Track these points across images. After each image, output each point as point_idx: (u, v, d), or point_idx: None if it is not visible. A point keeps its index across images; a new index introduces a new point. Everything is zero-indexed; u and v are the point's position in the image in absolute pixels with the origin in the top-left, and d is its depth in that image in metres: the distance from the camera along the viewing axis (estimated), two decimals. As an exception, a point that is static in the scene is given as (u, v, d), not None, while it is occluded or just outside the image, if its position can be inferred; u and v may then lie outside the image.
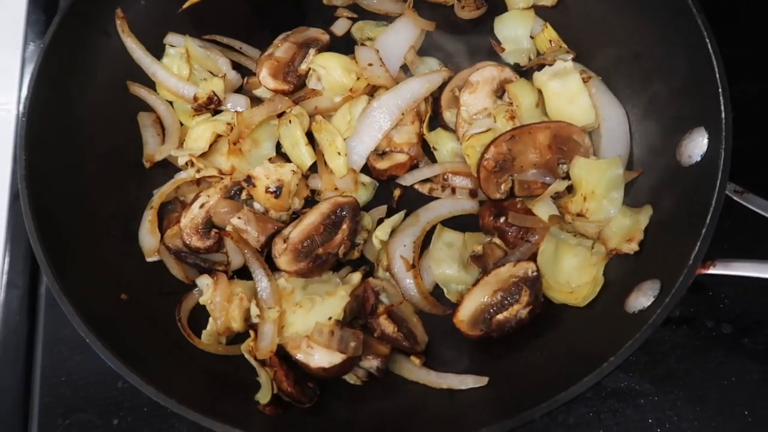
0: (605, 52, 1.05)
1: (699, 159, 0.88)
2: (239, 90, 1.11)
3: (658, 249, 0.88)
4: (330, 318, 0.88)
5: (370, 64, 1.05)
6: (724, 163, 0.82)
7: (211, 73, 1.11)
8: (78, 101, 1.01)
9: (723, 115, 0.84)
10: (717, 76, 0.86)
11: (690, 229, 0.82)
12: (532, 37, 1.11)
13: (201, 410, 0.75)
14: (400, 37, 1.11)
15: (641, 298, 0.82)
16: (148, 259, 0.97)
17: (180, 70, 1.10)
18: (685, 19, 0.90)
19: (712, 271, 0.80)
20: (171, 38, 1.12)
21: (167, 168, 1.06)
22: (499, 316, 0.89)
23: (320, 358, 0.85)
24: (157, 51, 1.10)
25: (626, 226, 0.92)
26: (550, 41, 1.09)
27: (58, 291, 0.80)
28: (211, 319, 0.92)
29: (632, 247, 0.90)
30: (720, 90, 0.85)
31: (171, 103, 1.09)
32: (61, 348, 0.99)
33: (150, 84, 1.09)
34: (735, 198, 0.84)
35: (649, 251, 0.89)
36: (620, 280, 0.89)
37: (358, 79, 1.05)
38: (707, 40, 0.88)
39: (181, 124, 1.07)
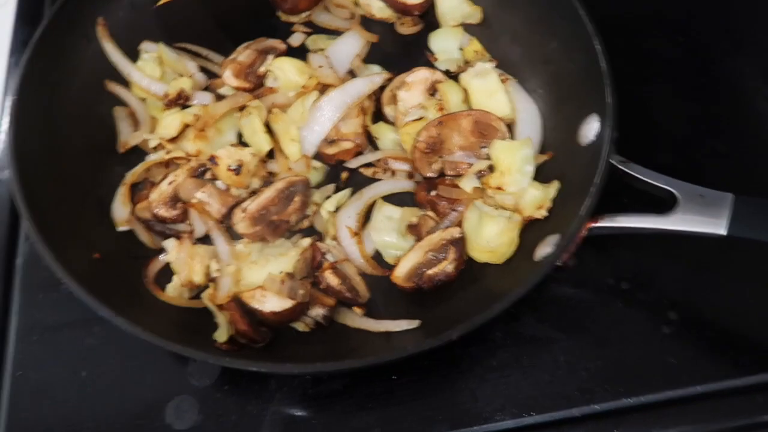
0: (520, 58, 1.24)
1: (594, 139, 1.06)
2: (205, 90, 1.26)
3: (560, 212, 1.04)
4: (281, 272, 1.00)
5: (321, 66, 1.22)
6: (607, 140, 1.00)
7: (180, 75, 1.26)
8: (61, 95, 1.14)
9: (609, 100, 1.03)
10: (603, 71, 1.05)
11: (583, 192, 0.99)
12: (461, 49, 1.30)
13: (167, 338, 0.86)
14: (348, 46, 1.29)
15: (546, 248, 0.98)
16: (119, 228, 1.09)
17: (153, 72, 1.24)
18: (579, 27, 1.10)
19: (600, 224, 0.95)
20: (146, 45, 1.27)
21: (139, 155, 1.18)
22: (429, 272, 1.03)
23: (272, 304, 0.96)
24: (132, 56, 1.25)
25: (538, 197, 1.08)
26: (476, 51, 1.28)
27: (40, 241, 0.92)
28: (175, 276, 1.03)
29: (542, 213, 1.06)
30: (606, 83, 1.04)
31: (144, 100, 1.23)
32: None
33: (126, 84, 1.23)
34: (619, 167, 1.00)
35: (554, 215, 1.05)
36: (531, 239, 1.04)
37: (310, 78, 1.21)
38: (596, 44, 1.07)
39: (153, 118, 1.22)
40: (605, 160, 0.98)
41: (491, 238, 1.07)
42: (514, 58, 1.25)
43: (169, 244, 1.05)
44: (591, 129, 1.07)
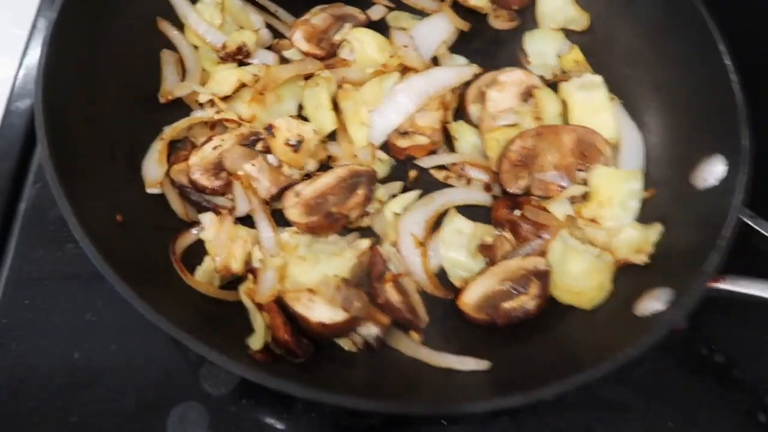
0: (627, 77, 1.09)
1: (715, 184, 0.91)
2: (268, 49, 1.09)
3: (669, 262, 0.89)
4: (336, 276, 0.84)
5: (405, 46, 1.06)
6: (740, 189, 0.85)
7: (242, 27, 1.09)
8: (106, 25, 0.97)
9: (743, 142, 0.88)
10: (738, 108, 0.91)
11: (702, 245, 0.84)
12: (559, 56, 1.14)
13: (188, 332, 0.69)
14: (435, 30, 1.13)
15: (654, 303, 0.82)
16: (149, 190, 0.92)
17: (212, 19, 1.08)
18: (708, 51, 0.95)
19: (721, 285, 0.80)
20: (209, -16, 1.10)
21: (181, 108, 1.01)
22: (506, 305, 0.87)
23: (321, 312, 0.80)
24: (192, -2, 1.09)
25: (635, 239, 0.93)
26: (576, 61, 1.13)
27: (58, 187, 0.75)
28: (207, 258, 0.86)
29: (642, 258, 0.91)
30: (741, 121, 0.90)
31: (197, 48, 1.06)
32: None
33: (180, 26, 1.06)
34: (747, 221, 0.86)
35: (660, 264, 0.90)
36: (629, 288, 0.89)
37: (391, 57, 1.05)
38: (730, 74, 0.93)
39: (204, 71, 1.05)
40: (736, 211, 0.83)
41: (577, 276, 0.92)
42: (620, 76, 1.09)
43: (207, 218, 0.88)
44: (713, 172, 0.92)
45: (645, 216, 0.96)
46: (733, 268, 0.82)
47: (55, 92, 0.84)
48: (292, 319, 0.81)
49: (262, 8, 1.12)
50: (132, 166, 0.93)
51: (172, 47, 1.05)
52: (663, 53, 1.06)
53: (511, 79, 1.05)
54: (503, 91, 1.04)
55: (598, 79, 1.03)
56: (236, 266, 0.85)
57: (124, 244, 0.82)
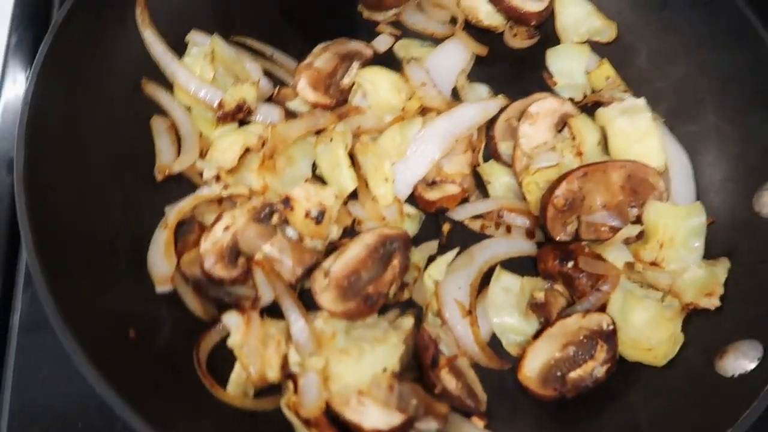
0: (666, 93, 0.99)
1: (784, 209, 0.83)
2: (268, 101, 0.99)
3: (745, 304, 0.80)
4: (385, 369, 0.75)
5: (423, 84, 0.96)
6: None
7: (238, 79, 0.98)
8: (86, 97, 0.86)
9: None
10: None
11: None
12: (587, 72, 1.04)
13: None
14: (451, 59, 1.02)
15: (741, 360, 0.74)
16: (159, 290, 0.81)
17: (203, 73, 0.96)
18: (758, 57, 0.86)
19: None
20: (195, 36, 0.98)
21: (180, 183, 0.91)
22: (573, 374, 0.79)
23: (376, 418, 0.71)
24: (179, 50, 0.97)
25: (702, 279, 0.85)
26: (607, 78, 1.03)
27: (57, 318, 0.64)
28: (237, 367, 0.76)
29: (713, 302, 0.83)
30: None
31: (190, 110, 0.95)
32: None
33: (166, 86, 0.95)
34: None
35: (733, 307, 0.82)
36: (704, 338, 0.81)
37: (410, 98, 0.95)
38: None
39: (202, 136, 0.94)
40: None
41: (642, 328, 0.83)
42: (654, 89, 1.00)
43: (232, 320, 0.77)
44: (779, 196, 0.83)
45: (707, 251, 0.87)
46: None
47: (38, 174, 0.74)
48: (342, 424, 0.72)
49: (257, 53, 1.01)
50: (136, 262, 0.82)
51: (164, 111, 0.94)
52: (704, 62, 0.96)
53: (543, 109, 0.95)
54: (536, 124, 0.94)
55: (641, 102, 0.93)
56: (273, 375, 0.75)
57: (134, 358, 0.72)
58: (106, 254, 0.80)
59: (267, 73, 1.00)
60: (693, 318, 0.83)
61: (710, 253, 0.87)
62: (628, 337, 0.83)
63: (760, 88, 0.90)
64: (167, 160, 0.91)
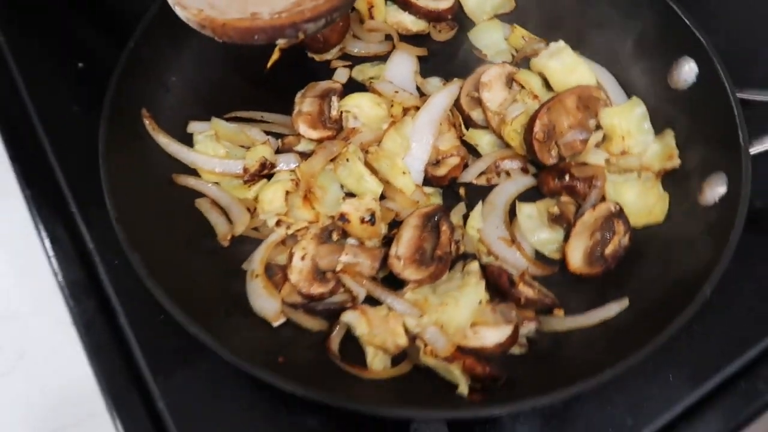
0: (570, 30, 1.24)
1: (694, 79, 1.09)
2: (278, 152, 1.15)
3: (700, 153, 1.06)
4: (480, 301, 0.93)
5: (396, 92, 1.16)
6: (725, 76, 1.03)
7: (244, 146, 1.14)
8: (145, 202, 0.99)
9: (703, 40, 1.07)
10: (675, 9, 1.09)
11: (719, 126, 1.01)
12: (506, 39, 1.29)
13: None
14: (402, 66, 1.24)
15: (716, 189, 0.99)
16: (276, 324, 0.96)
17: (216, 152, 1.12)
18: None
19: (758, 149, 0.98)
20: (195, 126, 1.14)
21: (242, 242, 1.05)
22: (608, 250, 1.01)
23: (493, 336, 0.89)
24: (187, 142, 1.12)
25: (660, 150, 1.10)
26: (523, 37, 1.28)
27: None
28: (369, 350, 0.92)
29: (674, 163, 1.08)
30: (681, 16, 1.08)
31: (218, 184, 1.10)
32: None
33: (193, 173, 1.10)
34: (743, 96, 1.03)
35: (690, 159, 1.07)
36: (682, 189, 1.05)
37: (392, 106, 1.15)
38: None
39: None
40: (734, 94, 1.01)
41: (637, 201, 1.07)
42: (560, 31, 1.24)
43: (351, 317, 0.93)
44: (686, 72, 1.10)
45: (654, 129, 1.13)
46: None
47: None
48: (470, 352, 0.89)
49: (251, 120, 1.17)
50: (247, 312, 0.96)
51: (200, 193, 1.09)
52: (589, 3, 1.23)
53: (491, 76, 1.18)
54: (492, 89, 1.17)
55: (561, 43, 1.18)
56: (402, 341, 0.91)
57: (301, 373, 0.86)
58: (225, 315, 0.94)
59: (266, 132, 1.17)
60: (667, 178, 1.08)
61: (656, 129, 1.12)
62: (629, 211, 1.06)
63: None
64: (225, 230, 1.05)
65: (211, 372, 0.96)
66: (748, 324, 1.00)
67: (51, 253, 1.08)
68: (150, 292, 0.87)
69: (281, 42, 0.92)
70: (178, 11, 0.94)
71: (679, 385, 0.97)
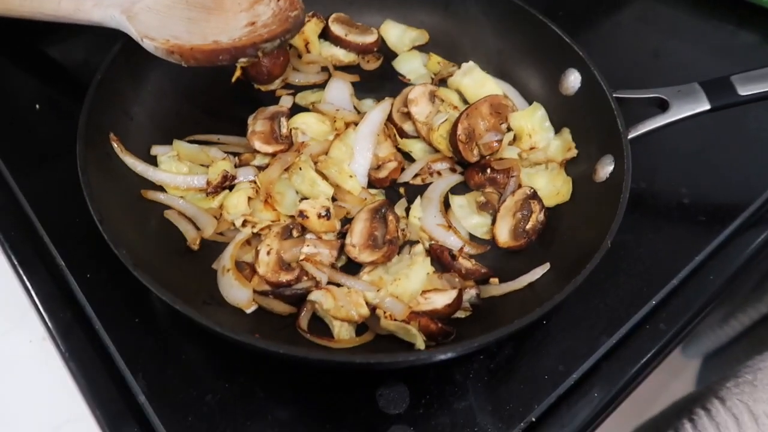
0: (476, 54, 1.47)
1: (579, 86, 1.34)
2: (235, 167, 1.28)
3: (591, 142, 1.29)
4: (428, 273, 1.09)
5: (337, 110, 1.34)
6: (602, 81, 1.28)
7: (203, 165, 1.26)
8: (121, 210, 1.09)
9: (582, 55, 1.32)
10: (558, 32, 1.35)
11: (602, 120, 1.25)
12: (425, 65, 1.50)
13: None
14: (339, 91, 1.41)
15: (605, 167, 1.21)
16: (249, 310, 1.07)
17: (179, 170, 1.24)
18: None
19: (634, 133, 1.22)
20: (157, 149, 1.25)
21: (210, 247, 1.17)
22: (528, 225, 1.20)
23: (441, 299, 1.05)
24: (153, 162, 1.23)
25: (560, 144, 1.32)
26: (439, 63, 1.50)
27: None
28: (335, 323, 1.05)
29: (573, 153, 1.30)
30: (563, 37, 1.33)
31: (183, 198, 1.21)
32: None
33: (160, 188, 1.21)
34: (618, 95, 1.28)
35: (585, 148, 1.30)
36: (581, 171, 1.27)
37: (335, 122, 1.32)
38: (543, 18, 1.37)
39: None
40: (611, 93, 1.25)
41: (547, 185, 1.28)
42: (467, 57, 1.48)
43: (318, 296, 1.06)
44: (573, 81, 1.34)
45: (555, 128, 1.36)
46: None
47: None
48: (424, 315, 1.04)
49: (208, 142, 1.30)
50: (221, 304, 1.07)
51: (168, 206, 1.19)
52: (482, 31, 1.47)
53: (417, 94, 1.37)
54: (418, 104, 1.36)
55: (471, 63, 1.41)
56: (364, 311, 1.05)
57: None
58: (202, 304, 1.04)
59: (224, 152, 1.30)
60: (569, 165, 1.30)
61: (556, 128, 1.35)
62: (542, 195, 1.26)
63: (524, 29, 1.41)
64: (194, 235, 1.16)
65: (188, 364, 1.05)
66: (644, 281, 1.21)
67: (22, 271, 1.14)
68: (124, 299, 0.97)
69: (242, 61, 1.06)
70: (147, 43, 1.08)
71: (598, 335, 1.15)
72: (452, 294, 1.05)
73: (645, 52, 1.64)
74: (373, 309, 1.06)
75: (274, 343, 0.89)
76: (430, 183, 1.31)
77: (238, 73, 1.38)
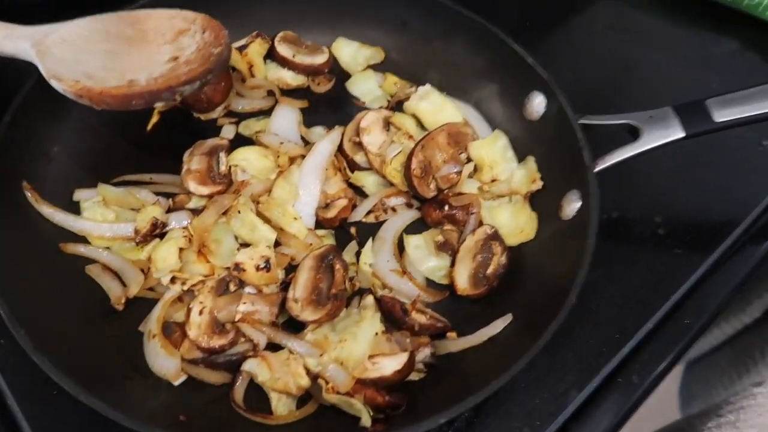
0: (434, 74, 1.36)
1: (544, 110, 1.23)
2: (168, 212, 1.16)
3: (556, 174, 1.18)
4: (377, 333, 0.98)
5: (281, 143, 1.22)
6: (566, 106, 1.17)
7: (133, 209, 1.15)
8: (31, 274, 0.97)
9: (545, 78, 1.21)
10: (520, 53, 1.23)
11: (568, 150, 1.15)
12: (380, 86, 1.39)
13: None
14: (286, 119, 1.30)
15: (573, 204, 1.11)
16: (177, 382, 0.96)
17: (105, 217, 1.12)
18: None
19: (602, 166, 1.12)
20: (80, 194, 1.14)
21: (137, 304, 1.05)
22: (489, 270, 1.10)
23: (390, 364, 0.94)
24: (73, 210, 1.11)
25: (524, 174, 1.21)
26: (395, 83, 1.38)
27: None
28: (273, 395, 0.94)
29: (538, 185, 1.20)
30: (525, 58, 1.22)
31: (109, 249, 1.10)
32: None
33: (82, 240, 1.09)
34: (585, 122, 1.17)
35: (551, 183, 1.19)
36: (545, 207, 1.17)
37: (278, 157, 1.20)
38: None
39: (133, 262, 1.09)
40: (576, 121, 1.15)
41: (509, 222, 1.18)
42: (425, 76, 1.36)
43: (252, 366, 0.95)
44: (537, 105, 1.23)
45: (518, 156, 1.25)
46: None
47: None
48: (374, 384, 0.94)
49: (139, 183, 1.18)
50: (147, 375, 0.96)
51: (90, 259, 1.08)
52: (440, 51, 1.35)
53: (369, 121, 1.26)
54: (371, 133, 1.25)
55: (427, 87, 1.30)
56: (305, 381, 0.94)
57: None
58: (124, 378, 0.93)
59: (156, 193, 1.18)
60: (534, 199, 1.20)
61: (520, 156, 1.25)
62: (504, 232, 1.16)
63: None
64: (118, 293, 1.04)
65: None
66: (616, 326, 1.12)
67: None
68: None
69: (159, 105, 0.94)
70: (54, 84, 0.96)
71: (567, 390, 1.06)
72: (402, 358, 0.95)
73: (616, 64, 1.53)
74: (315, 377, 0.96)
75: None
76: (385, 220, 1.20)
77: (154, 119, 1.25)
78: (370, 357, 0.96)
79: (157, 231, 1.10)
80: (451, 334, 1.05)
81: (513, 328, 1.04)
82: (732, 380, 1.70)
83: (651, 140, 1.13)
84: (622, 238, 1.24)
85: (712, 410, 1.34)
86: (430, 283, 1.14)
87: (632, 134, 1.15)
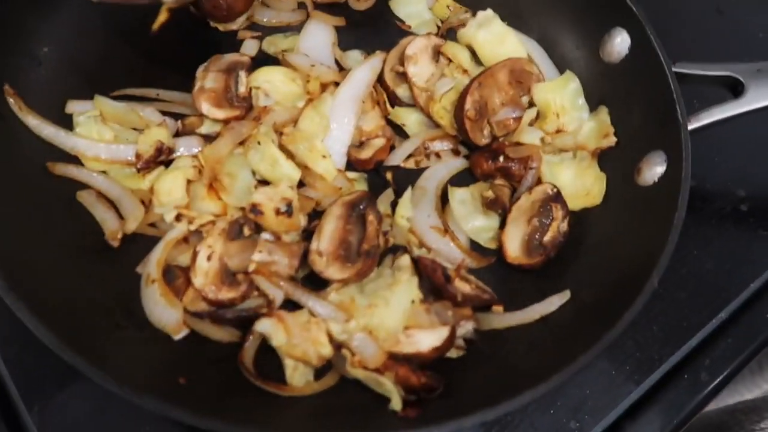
0: (495, 1, 1.16)
1: (627, 52, 1.04)
2: (177, 136, 0.99)
3: (636, 130, 1.00)
4: (413, 301, 0.83)
5: (312, 65, 1.03)
6: (658, 48, 0.97)
7: (136, 129, 0.98)
8: (12, 198, 0.82)
9: (635, 11, 1.00)
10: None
11: (655, 103, 0.96)
12: (430, 9, 1.18)
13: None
14: (318, 38, 1.11)
15: (655, 168, 0.93)
16: (177, 337, 0.82)
17: (102, 135, 0.95)
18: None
19: (695, 124, 0.93)
20: (74, 105, 0.96)
21: (136, 241, 0.90)
22: (547, 237, 0.94)
23: (428, 339, 0.80)
24: (66, 125, 0.94)
25: (595, 127, 1.03)
26: (448, 6, 1.18)
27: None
28: (289, 362, 0.80)
29: (611, 141, 1.02)
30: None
31: (105, 173, 0.94)
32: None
33: (74, 160, 0.93)
34: (681, 71, 0.98)
35: (628, 136, 1.01)
36: (620, 168, 0.99)
37: (308, 81, 1.02)
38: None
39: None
40: (670, 67, 0.96)
41: (574, 182, 1.01)
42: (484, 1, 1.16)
43: (266, 326, 0.81)
44: (619, 44, 1.04)
45: (589, 105, 1.06)
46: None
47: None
48: (407, 361, 0.79)
49: (143, 99, 1.01)
50: (141, 324, 0.82)
51: (84, 184, 0.92)
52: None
53: (417, 49, 1.07)
54: (417, 63, 1.06)
55: (489, 12, 1.10)
56: (326, 350, 0.80)
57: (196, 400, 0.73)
58: (114, 329, 0.79)
59: (163, 113, 1.01)
60: (604, 158, 1.02)
61: (591, 106, 1.06)
62: (566, 194, 0.99)
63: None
64: (114, 227, 0.89)
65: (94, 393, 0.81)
66: (685, 313, 0.97)
67: None
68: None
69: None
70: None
71: (623, 382, 0.92)
72: (442, 333, 0.80)
73: (706, 6, 1.31)
74: (338, 346, 0.81)
75: (190, 412, 0.64)
76: (426, 168, 1.03)
77: (162, 17, 1.05)
78: (405, 329, 0.81)
79: (162, 157, 0.94)
80: (498, 308, 0.90)
81: (570, 309, 0.89)
82: None
83: (757, 98, 0.94)
84: (698, 212, 1.07)
85: (763, 407, 1.21)
86: (475, 246, 0.98)
87: (733, 91, 0.97)
